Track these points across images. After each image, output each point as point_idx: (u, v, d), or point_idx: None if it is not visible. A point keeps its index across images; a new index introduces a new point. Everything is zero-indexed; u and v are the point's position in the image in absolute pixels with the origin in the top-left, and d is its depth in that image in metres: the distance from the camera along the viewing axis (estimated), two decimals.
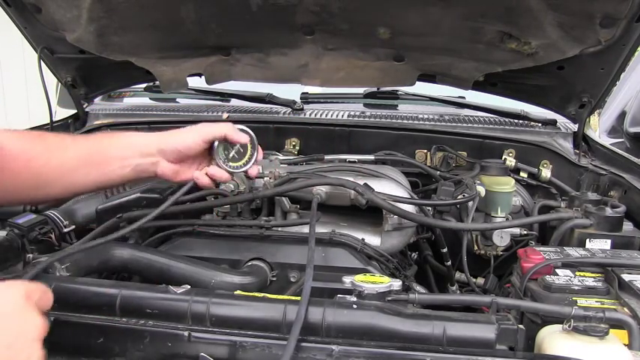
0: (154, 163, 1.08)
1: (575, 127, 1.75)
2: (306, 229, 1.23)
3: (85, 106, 2.00)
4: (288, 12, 1.42)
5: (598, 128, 3.16)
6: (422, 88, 1.90)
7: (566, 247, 1.25)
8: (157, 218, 1.11)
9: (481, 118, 1.89)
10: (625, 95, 3.27)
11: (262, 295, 0.94)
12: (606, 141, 2.32)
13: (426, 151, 1.78)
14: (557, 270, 1.12)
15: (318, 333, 0.86)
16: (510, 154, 1.73)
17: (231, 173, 1.11)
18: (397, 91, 2.08)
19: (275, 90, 2.05)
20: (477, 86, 1.69)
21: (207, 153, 1.11)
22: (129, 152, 1.06)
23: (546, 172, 1.69)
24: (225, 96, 2.12)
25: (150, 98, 2.25)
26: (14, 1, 1.55)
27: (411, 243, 1.53)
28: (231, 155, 1.10)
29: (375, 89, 2.09)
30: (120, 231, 1.09)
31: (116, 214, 1.33)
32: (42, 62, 1.76)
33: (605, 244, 1.31)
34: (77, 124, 2.00)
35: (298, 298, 0.88)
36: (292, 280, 1.26)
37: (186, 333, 0.86)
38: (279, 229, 1.33)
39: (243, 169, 1.12)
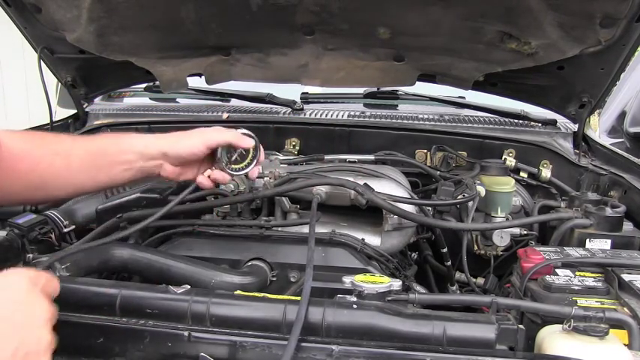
0: (158, 165, 1.09)
1: (575, 127, 1.75)
2: (306, 229, 1.23)
3: (85, 106, 2.00)
4: (288, 12, 1.42)
5: (598, 128, 3.16)
6: (422, 88, 1.90)
7: (566, 247, 1.25)
8: (157, 218, 1.11)
9: (481, 118, 1.89)
10: (625, 95, 3.27)
11: (262, 295, 0.94)
12: (606, 141, 2.32)
13: (426, 151, 1.78)
14: (557, 270, 1.12)
15: (318, 333, 0.86)
16: (510, 154, 1.73)
17: (233, 176, 1.12)
18: (397, 91, 2.08)
19: (275, 90, 2.05)
20: (477, 86, 1.69)
21: (210, 156, 1.12)
22: (133, 156, 1.07)
23: (546, 172, 1.69)
24: (225, 96, 2.12)
25: (150, 98, 2.25)
26: (14, 1, 1.55)
27: (411, 243, 1.53)
28: (233, 158, 1.11)
29: (375, 89, 2.09)
30: (122, 232, 1.09)
31: (116, 214, 1.33)
32: (42, 62, 1.76)
33: (605, 244, 1.31)
34: (77, 124, 2.00)
35: (298, 298, 0.88)
36: (292, 280, 1.26)
37: (186, 333, 0.86)
38: (279, 229, 1.33)
39: (245, 171, 1.12)
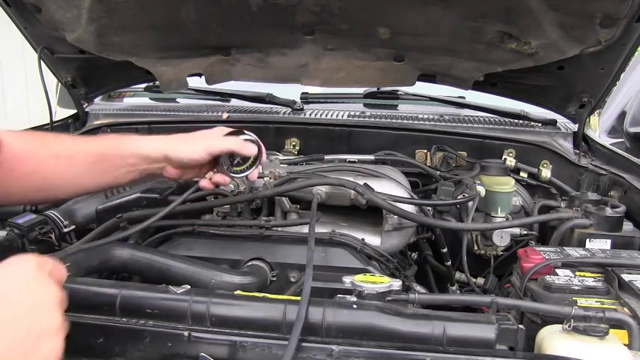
0: (160, 167, 1.10)
1: (575, 127, 1.75)
2: (306, 229, 1.23)
3: (85, 106, 2.00)
4: (288, 12, 1.42)
5: (598, 128, 3.15)
6: (422, 88, 1.90)
7: (566, 247, 1.25)
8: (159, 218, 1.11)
9: (481, 118, 1.89)
10: (625, 95, 3.26)
11: (262, 295, 0.94)
12: (606, 141, 2.32)
13: (426, 151, 1.78)
14: (557, 270, 1.12)
15: (318, 333, 0.86)
16: (510, 154, 1.73)
17: (234, 178, 1.12)
18: (397, 91, 2.08)
19: (275, 90, 2.05)
20: (477, 86, 1.69)
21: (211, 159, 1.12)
22: (136, 160, 1.08)
23: (546, 172, 1.69)
24: (225, 96, 2.12)
25: (150, 98, 2.25)
26: (14, 1, 1.55)
27: (411, 243, 1.53)
28: (235, 162, 1.12)
29: (375, 89, 2.09)
30: (123, 232, 1.10)
31: (116, 214, 1.33)
32: (42, 62, 1.76)
33: (605, 244, 1.31)
34: (77, 124, 2.00)
35: (298, 298, 0.88)
36: (292, 280, 1.26)
37: (186, 333, 0.86)
38: (279, 229, 1.33)
39: (246, 173, 1.13)
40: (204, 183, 1.12)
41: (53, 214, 1.39)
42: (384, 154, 1.72)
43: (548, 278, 1.07)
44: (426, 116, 1.90)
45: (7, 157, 0.97)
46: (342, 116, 1.88)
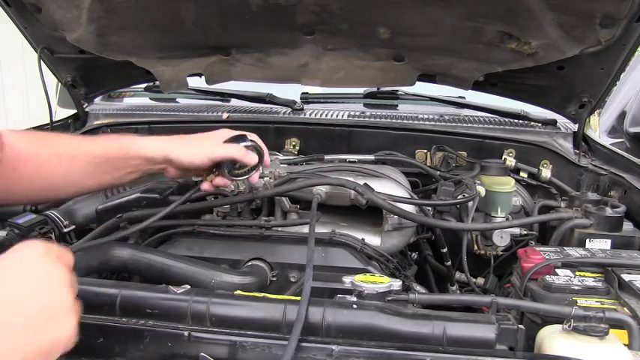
0: (162, 168, 1.11)
1: (575, 127, 1.75)
2: (306, 229, 1.23)
3: (85, 106, 2.00)
4: (288, 12, 1.42)
5: (598, 128, 3.15)
6: (422, 88, 1.90)
7: (566, 247, 1.25)
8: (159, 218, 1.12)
9: (481, 118, 1.89)
10: (625, 95, 3.26)
11: (262, 295, 0.94)
12: (606, 141, 2.32)
13: (426, 151, 1.78)
14: (557, 270, 1.12)
15: (318, 333, 0.86)
16: (510, 154, 1.73)
17: (235, 181, 1.13)
18: (397, 91, 2.08)
19: (275, 90, 2.05)
20: (477, 86, 1.69)
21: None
22: (138, 161, 1.09)
23: (546, 172, 1.69)
24: (225, 96, 2.12)
25: (150, 98, 2.25)
26: (14, 1, 1.55)
27: (411, 243, 1.53)
28: (237, 165, 1.12)
29: (375, 89, 2.09)
30: (123, 232, 1.10)
31: (116, 214, 1.33)
32: (42, 62, 1.76)
33: (605, 244, 1.31)
34: (77, 124, 2.00)
35: (298, 298, 0.88)
36: (292, 280, 1.26)
37: (186, 333, 0.85)
38: (279, 229, 1.33)
39: (247, 176, 1.14)
40: (206, 186, 1.13)
41: (53, 214, 1.39)
42: (384, 154, 1.71)
43: (548, 278, 1.07)
44: (426, 116, 1.90)
45: (9, 156, 0.97)
46: (342, 116, 1.88)
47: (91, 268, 1.14)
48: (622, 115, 3.20)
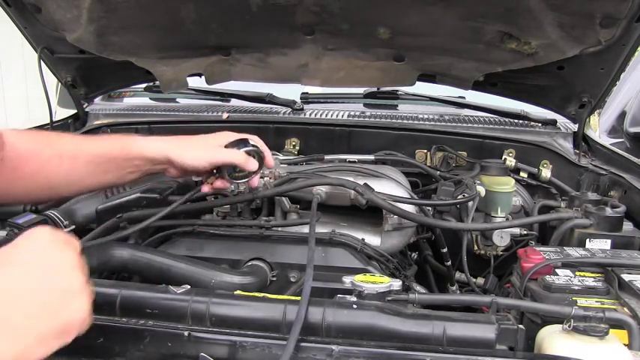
0: (163, 168, 1.12)
1: (575, 127, 1.75)
2: (306, 229, 1.23)
3: (85, 106, 2.00)
4: (288, 12, 1.42)
5: (598, 128, 3.15)
6: (422, 88, 1.90)
7: (566, 247, 1.25)
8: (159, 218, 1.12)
9: (481, 118, 1.89)
10: (625, 95, 3.26)
11: (262, 295, 0.94)
12: (606, 141, 2.32)
13: (426, 151, 1.78)
14: (557, 270, 1.12)
15: (318, 333, 0.86)
16: (510, 154, 1.73)
17: (234, 183, 1.13)
18: (397, 91, 2.08)
19: (275, 90, 2.05)
20: (477, 86, 1.69)
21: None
22: (140, 161, 1.09)
23: (546, 172, 1.69)
24: (225, 96, 2.12)
25: (150, 98, 2.25)
26: (14, 1, 1.55)
27: (411, 243, 1.53)
28: (237, 169, 1.12)
29: (375, 89, 2.09)
30: (123, 232, 1.10)
31: (116, 214, 1.33)
32: (42, 62, 1.76)
33: (605, 244, 1.31)
34: (77, 124, 2.00)
35: (298, 298, 0.88)
36: (292, 280, 1.26)
37: (186, 333, 0.85)
38: (279, 229, 1.33)
39: (247, 179, 1.14)
40: (206, 188, 1.14)
41: (53, 214, 1.38)
42: (384, 154, 1.71)
43: (548, 278, 1.07)
44: (426, 116, 1.90)
45: (10, 156, 0.97)
46: (342, 116, 1.88)
47: (91, 268, 1.13)
48: (622, 115, 3.20)
